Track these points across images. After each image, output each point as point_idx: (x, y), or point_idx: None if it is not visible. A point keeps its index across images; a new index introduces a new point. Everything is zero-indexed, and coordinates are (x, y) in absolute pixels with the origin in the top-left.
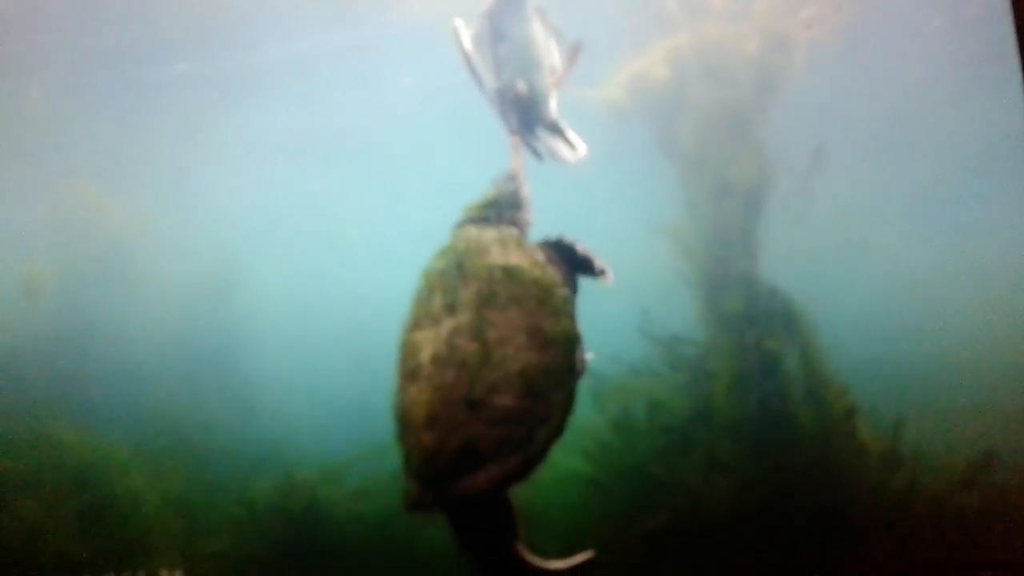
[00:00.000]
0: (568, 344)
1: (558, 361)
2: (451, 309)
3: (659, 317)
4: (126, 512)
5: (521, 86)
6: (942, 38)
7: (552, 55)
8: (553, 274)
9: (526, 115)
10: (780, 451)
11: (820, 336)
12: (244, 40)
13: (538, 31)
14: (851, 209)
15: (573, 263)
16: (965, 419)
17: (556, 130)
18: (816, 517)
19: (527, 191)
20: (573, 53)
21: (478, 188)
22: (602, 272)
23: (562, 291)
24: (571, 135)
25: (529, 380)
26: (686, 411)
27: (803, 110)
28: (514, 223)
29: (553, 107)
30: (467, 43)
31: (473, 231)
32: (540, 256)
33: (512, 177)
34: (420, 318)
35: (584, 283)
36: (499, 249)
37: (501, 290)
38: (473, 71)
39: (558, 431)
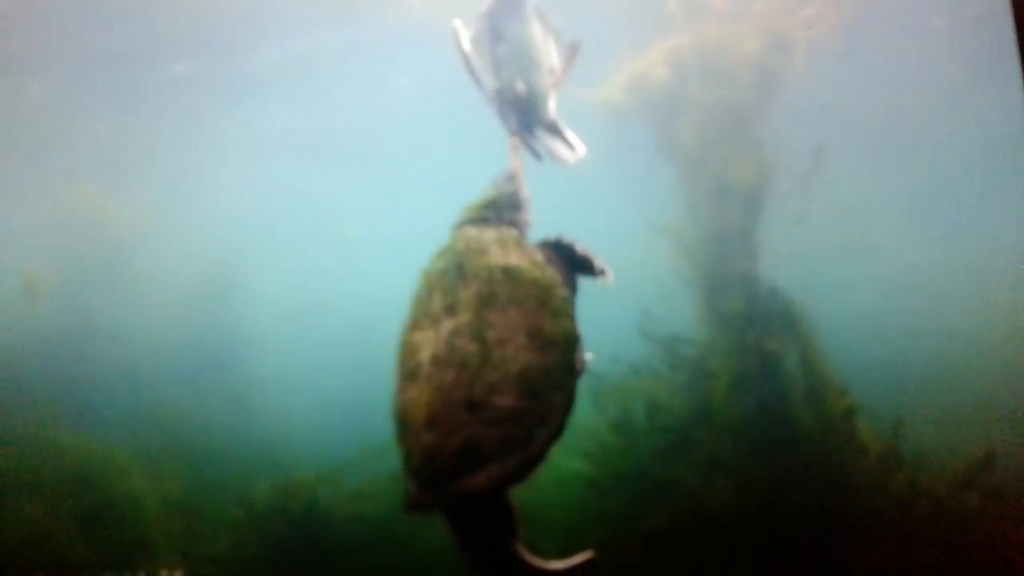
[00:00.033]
0: (568, 345)
1: (558, 362)
2: (451, 309)
3: (659, 317)
4: (126, 513)
5: (520, 86)
6: (942, 38)
7: (551, 55)
8: (553, 275)
9: (525, 115)
10: (780, 451)
11: (820, 336)
12: (244, 40)
13: (537, 31)
14: (851, 209)
15: (572, 263)
16: (965, 419)
17: (555, 130)
18: (816, 517)
19: (526, 192)
20: (571, 53)
21: (477, 188)
22: (601, 272)
23: (562, 292)
24: (570, 135)
25: (529, 381)
26: (686, 411)
27: (803, 110)
28: (513, 223)
29: (552, 107)
30: (466, 44)
31: (473, 231)
32: (540, 257)
33: (511, 177)
34: (420, 318)
35: (584, 283)
36: (499, 249)
37: (501, 291)
38: (472, 71)
39: (558, 432)
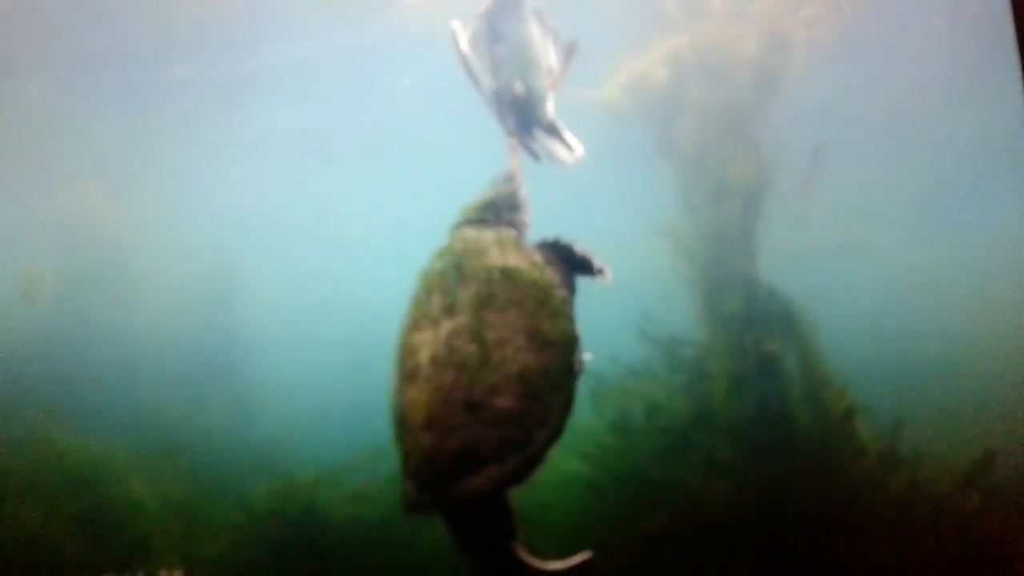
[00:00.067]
0: (567, 345)
1: (557, 363)
2: (450, 310)
3: (658, 318)
4: (125, 515)
5: (518, 87)
6: (942, 38)
7: (549, 56)
8: (552, 275)
9: (523, 116)
10: (779, 452)
11: (819, 337)
12: (243, 42)
13: (535, 32)
14: (850, 209)
15: (571, 264)
16: (964, 419)
17: (553, 131)
18: (815, 518)
19: (524, 192)
20: (569, 53)
21: (476, 189)
22: (600, 271)
23: (561, 292)
24: (568, 136)
25: (528, 382)
26: (685, 412)
27: (802, 110)
28: (512, 224)
29: (550, 108)
30: (464, 44)
31: (471, 232)
32: (538, 257)
33: (510, 178)
34: (418, 319)
35: (583, 284)
36: (497, 250)
37: (500, 291)
38: (470, 72)
39: (557, 432)
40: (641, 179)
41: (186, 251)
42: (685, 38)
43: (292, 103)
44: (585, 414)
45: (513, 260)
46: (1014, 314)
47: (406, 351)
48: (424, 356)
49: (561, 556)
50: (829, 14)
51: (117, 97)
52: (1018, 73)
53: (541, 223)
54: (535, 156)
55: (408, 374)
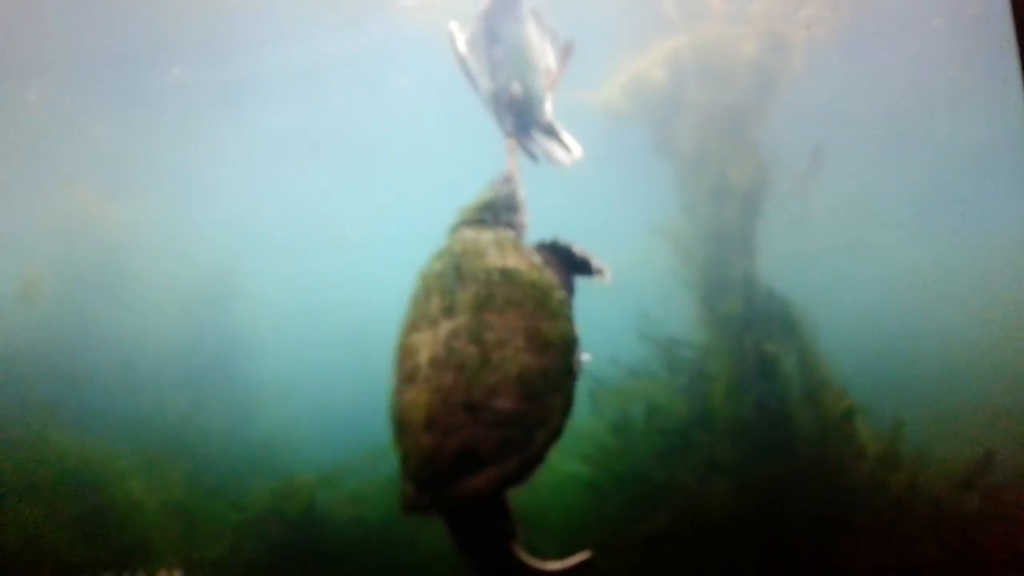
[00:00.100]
0: (566, 346)
1: (556, 363)
2: (449, 311)
3: (657, 319)
4: (125, 517)
5: (516, 88)
6: (941, 38)
7: (547, 57)
8: (551, 276)
9: (521, 117)
10: (779, 453)
11: (819, 337)
12: (242, 44)
13: (533, 33)
14: (850, 210)
15: (570, 264)
16: (964, 419)
17: (551, 132)
18: (815, 518)
19: (523, 193)
20: (565, 53)
21: (474, 190)
22: (600, 271)
23: (560, 293)
24: (566, 137)
25: (527, 382)
26: (685, 413)
27: (801, 111)
28: (510, 225)
29: (548, 109)
30: (462, 46)
31: (470, 233)
32: (537, 259)
33: (508, 179)
34: (417, 320)
35: (582, 285)
36: (496, 251)
37: (499, 293)
38: (468, 73)
39: (557, 433)
40: (640, 180)
41: (186, 252)
42: (684, 39)
43: (291, 104)
44: (585, 415)
45: (512, 261)
46: (1014, 314)
47: (405, 352)
48: (423, 357)
49: (560, 557)
50: (828, 14)
51: (116, 99)
52: (1018, 73)
53: (540, 224)
54: (533, 157)
55: (407, 375)
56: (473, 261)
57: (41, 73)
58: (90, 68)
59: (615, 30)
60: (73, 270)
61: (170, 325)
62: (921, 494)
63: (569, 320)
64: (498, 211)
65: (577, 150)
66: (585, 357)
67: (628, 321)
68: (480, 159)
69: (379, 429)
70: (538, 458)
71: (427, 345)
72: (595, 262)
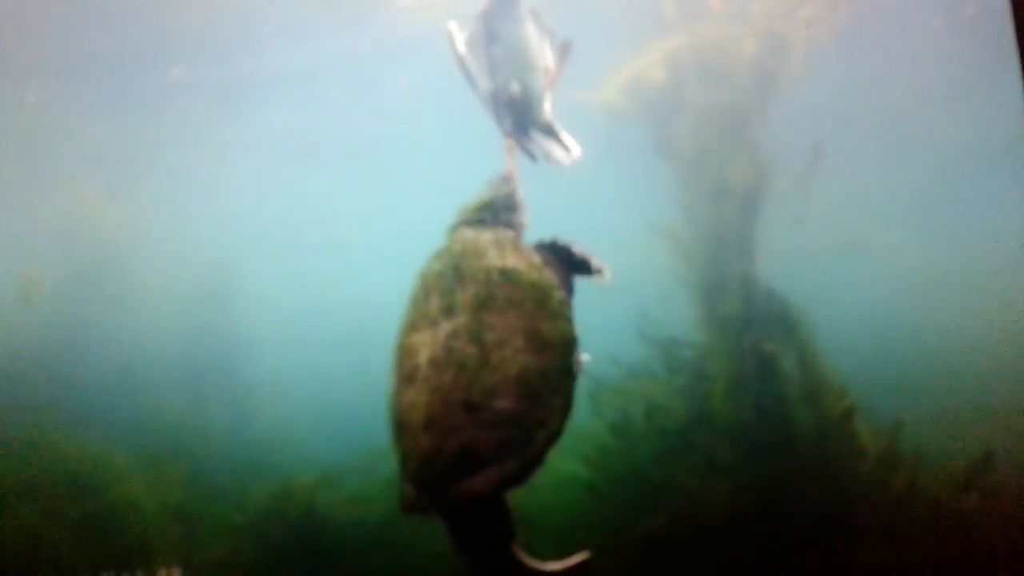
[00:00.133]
0: (566, 347)
1: (556, 364)
2: (448, 312)
3: (657, 319)
4: (124, 518)
5: (515, 88)
6: (941, 38)
7: (546, 57)
8: (550, 277)
9: (520, 117)
10: (779, 453)
11: (818, 337)
12: (241, 44)
13: (532, 33)
14: (849, 210)
15: (570, 264)
16: (964, 420)
17: (550, 132)
18: (815, 519)
19: (522, 193)
20: (563, 52)
21: (473, 190)
22: (599, 271)
23: (559, 294)
24: (565, 137)
25: (527, 383)
26: (684, 414)
27: (801, 111)
28: (509, 225)
29: (547, 109)
30: (461, 46)
31: (469, 233)
32: (537, 258)
33: (507, 179)
34: (417, 320)
35: (582, 285)
36: (496, 251)
37: (499, 293)
38: (467, 73)
39: (556, 434)
40: (639, 180)
41: (185, 253)
42: (683, 39)
43: (290, 104)
44: (584, 415)
45: (512, 261)
46: (1014, 314)
47: (404, 352)
48: (423, 357)
49: (560, 557)
50: (827, 14)
51: (115, 99)
52: (1018, 73)
53: (540, 224)
54: (532, 157)
55: (406, 375)
56: (473, 261)
57: (40, 73)
58: (89, 68)
59: (614, 30)
60: (72, 271)
61: (169, 326)
62: (921, 494)
63: (569, 320)
64: (497, 211)
65: (576, 150)
66: (585, 357)
67: (628, 321)
68: (479, 159)
69: (378, 430)
70: (538, 459)
71: (426, 345)
72: (595, 262)
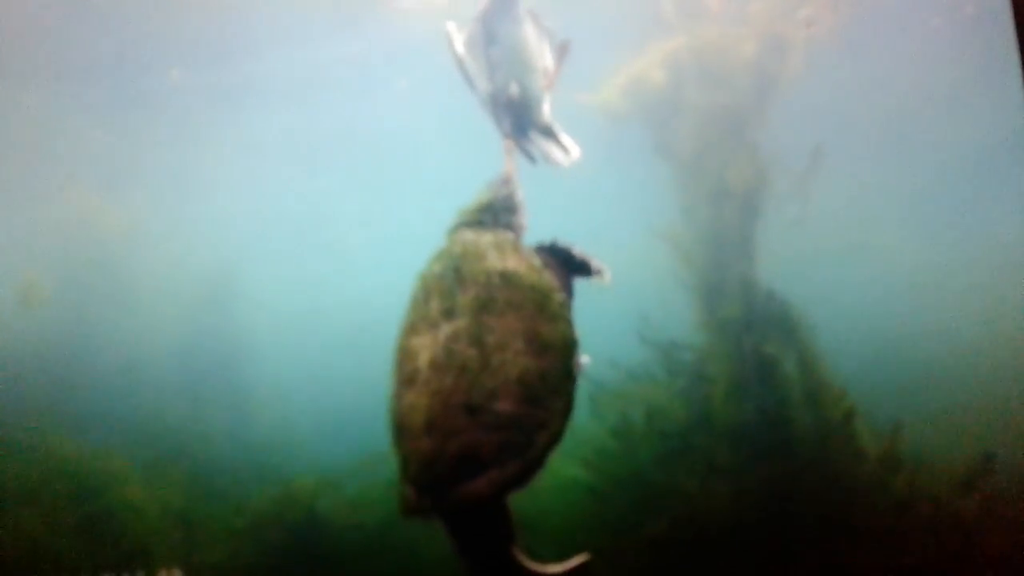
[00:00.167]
0: (566, 349)
1: (556, 366)
2: (449, 314)
3: (657, 322)
4: (125, 521)
5: (514, 89)
6: (941, 38)
7: (545, 58)
8: (550, 279)
9: (519, 118)
10: (779, 455)
11: (818, 339)
12: (241, 47)
13: (530, 34)
14: (849, 211)
15: (570, 266)
16: (964, 421)
17: (549, 133)
18: (815, 521)
19: (521, 195)
20: (561, 52)
21: (472, 191)
22: (599, 272)
23: (559, 296)
24: (564, 138)
25: (528, 386)
26: (685, 416)
27: (800, 112)
28: (509, 227)
29: (546, 110)
30: (459, 47)
31: (469, 235)
32: (537, 261)
33: (506, 181)
34: (417, 323)
35: (582, 287)
36: (496, 254)
37: (499, 295)
38: (466, 74)
39: (557, 437)
40: (639, 182)
41: (185, 256)
42: (683, 40)
43: (290, 107)
44: (584, 418)
45: (512, 264)
46: (1014, 315)
47: (405, 355)
48: (423, 360)
49: (560, 560)
50: (826, 15)
51: (115, 101)
52: (1018, 73)
53: (540, 226)
54: (531, 158)
55: (407, 378)
56: (473, 263)
57: (40, 75)
58: (89, 71)
59: (614, 31)
60: (72, 274)
61: (170, 329)
62: (921, 495)
63: (569, 323)
64: (497, 212)
65: (575, 151)
66: (585, 360)
67: (628, 324)
68: (478, 161)
69: (379, 433)
70: (539, 462)
71: (427, 348)
72: (595, 263)
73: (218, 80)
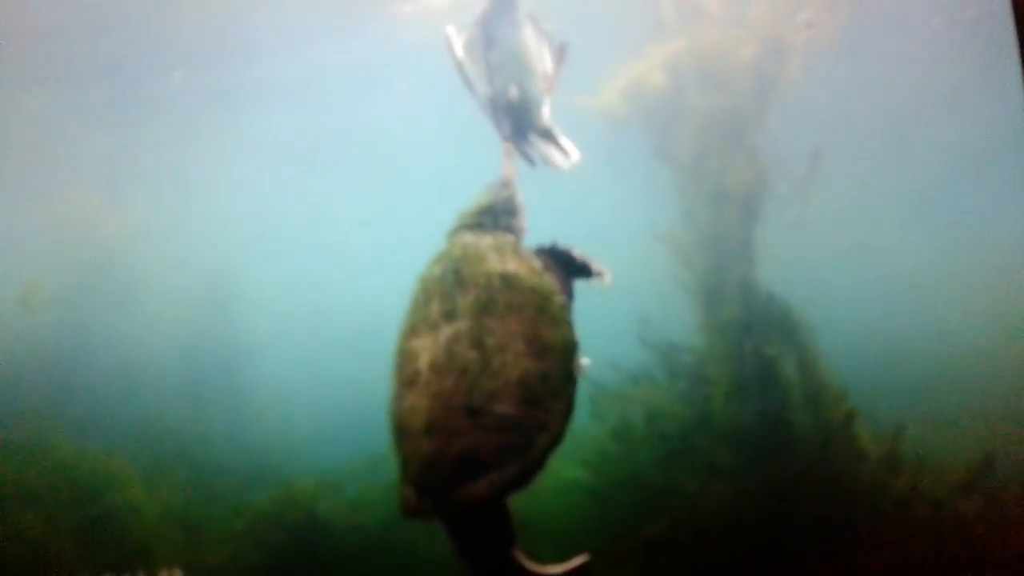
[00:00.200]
0: (566, 352)
1: (557, 369)
2: (449, 316)
3: (657, 324)
4: (126, 524)
5: (513, 92)
6: (941, 40)
7: (544, 61)
8: (550, 282)
9: (518, 121)
10: (779, 457)
11: (818, 341)
12: (242, 50)
13: (530, 38)
14: (849, 213)
15: (570, 269)
16: (965, 422)
17: (549, 136)
18: (816, 523)
19: (521, 197)
20: (559, 54)
21: (472, 194)
22: (599, 274)
23: (559, 299)
24: (564, 141)
25: (528, 388)
26: (685, 418)
27: (801, 114)
28: (509, 229)
29: (546, 113)
30: (459, 50)
31: (469, 237)
32: (537, 263)
33: (506, 183)
34: (417, 324)
35: (582, 289)
36: (496, 256)
37: (500, 297)
38: (465, 78)
39: (558, 439)
40: (639, 184)
41: (185, 258)
42: (683, 43)
43: (291, 109)
44: (585, 420)
45: (512, 266)
46: (1014, 317)
47: (405, 356)
48: (423, 361)
49: (560, 562)
50: (827, 17)
51: (116, 104)
52: (1018, 74)
53: (540, 229)
54: (531, 161)
55: (407, 379)
56: (473, 265)
57: (41, 78)
58: (90, 73)
59: (614, 34)
60: (73, 276)
61: (170, 331)
62: (922, 497)
63: (569, 325)
64: (497, 215)
65: (575, 154)
66: (585, 362)
67: (628, 326)
68: (478, 163)
69: (379, 434)
70: (539, 463)
71: (427, 350)
72: (595, 266)
73: (219, 82)
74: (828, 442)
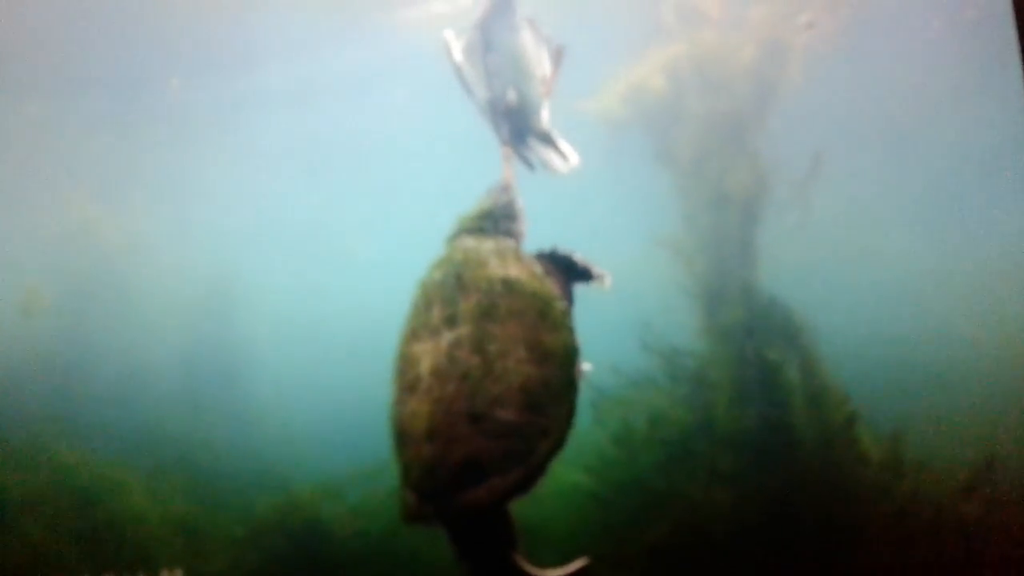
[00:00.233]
0: (568, 357)
1: (558, 374)
2: (451, 321)
3: (658, 328)
4: (127, 530)
5: (512, 96)
6: (942, 41)
7: (543, 65)
8: (552, 287)
9: (517, 125)
10: (781, 461)
11: (820, 345)
12: (242, 57)
13: (528, 42)
14: (850, 216)
15: (571, 273)
16: (966, 425)
17: (548, 140)
18: (818, 526)
19: (520, 202)
20: (557, 57)
21: (471, 198)
22: (600, 277)
23: (561, 304)
24: (563, 145)
25: (530, 393)
26: (687, 423)
27: (801, 117)
28: (509, 234)
29: (545, 117)
30: (457, 55)
31: (470, 242)
32: (538, 268)
33: (506, 188)
34: (418, 330)
35: (584, 295)
36: (497, 261)
37: (501, 302)
38: (464, 82)
39: (559, 444)
40: (640, 188)
41: (186, 265)
42: (683, 46)
43: (291, 116)
44: (586, 425)
45: (514, 271)
46: (1016, 320)
47: (406, 362)
48: (424, 367)
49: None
50: (827, 19)
51: (115, 111)
52: (1019, 75)
53: (539, 233)
54: (530, 165)
55: (408, 385)
56: (475, 270)
57: (41, 85)
58: (89, 80)
59: (613, 38)
60: (73, 283)
61: (171, 338)
62: (924, 500)
63: (570, 330)
64: (497, 219)
65: (574, 158)
66: (586, 367)
67: (629, 331)
68: (478, 168)
69: (380, 440)
70: (541, 469)
71: (428, 355)
72: (595, 270)
73: (219, 89)
74: (830, 445)
